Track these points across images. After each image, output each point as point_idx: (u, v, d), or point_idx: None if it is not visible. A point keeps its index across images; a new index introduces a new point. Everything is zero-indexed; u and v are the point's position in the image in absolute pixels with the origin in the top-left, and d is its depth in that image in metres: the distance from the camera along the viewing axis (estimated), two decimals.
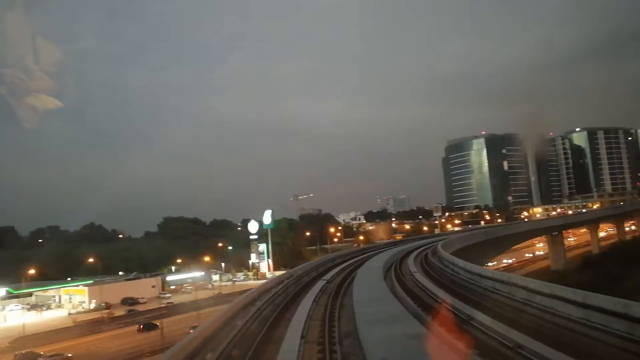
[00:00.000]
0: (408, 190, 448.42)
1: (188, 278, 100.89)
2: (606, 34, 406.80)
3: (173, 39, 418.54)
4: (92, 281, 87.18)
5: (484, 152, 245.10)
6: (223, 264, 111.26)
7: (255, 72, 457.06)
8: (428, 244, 60.41)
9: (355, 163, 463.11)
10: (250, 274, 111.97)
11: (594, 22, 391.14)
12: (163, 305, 75.64)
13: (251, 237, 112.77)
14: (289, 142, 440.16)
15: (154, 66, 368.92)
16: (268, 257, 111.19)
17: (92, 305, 78.64)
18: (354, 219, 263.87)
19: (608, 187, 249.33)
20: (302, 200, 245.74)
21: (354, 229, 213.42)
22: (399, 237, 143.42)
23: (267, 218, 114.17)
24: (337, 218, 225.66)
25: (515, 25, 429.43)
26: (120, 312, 72.14)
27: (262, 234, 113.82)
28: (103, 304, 77.00)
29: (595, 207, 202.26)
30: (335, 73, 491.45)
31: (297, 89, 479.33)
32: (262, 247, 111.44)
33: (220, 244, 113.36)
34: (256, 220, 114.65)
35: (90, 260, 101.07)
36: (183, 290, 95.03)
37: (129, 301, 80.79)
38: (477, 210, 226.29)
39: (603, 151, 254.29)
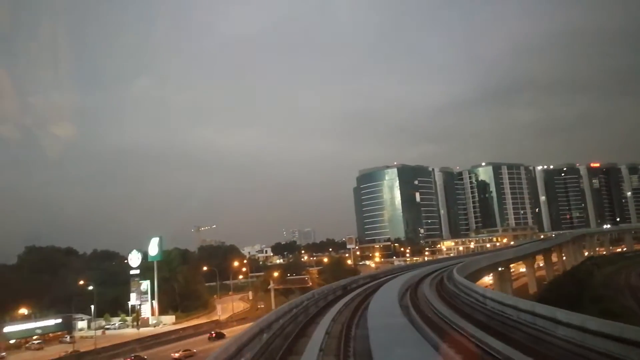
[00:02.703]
0: (315, 223, 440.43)
1: (38, 328, 75.35)
2: (495, 85, 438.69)
3: (67, 57, 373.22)
4: None
5: (397, 182, 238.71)
6: (93, 307, 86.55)
7: (156, 99, 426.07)
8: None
9: (262, 195, 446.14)
10: (129, 319, 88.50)
11: (485, 74, 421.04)
12: None
13: (132, 271, 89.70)
14: (193, 172, 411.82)
15: (46, 84, 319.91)
16: (153, 298, 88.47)
17: None
18: (261, 251, 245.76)
19: (512, 222, 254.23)
20: (204, 232, 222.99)
21: (260, 263, 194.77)
22: (314, 271, 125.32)
23: (153, 248, 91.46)
24: (242, 251, 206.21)
25: (426, 69, 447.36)
26: None
27: (148, 268, 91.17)
28: None
29: (505, 240, 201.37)
30: (243, 105, 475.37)
31: (202, 118, 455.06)
32: (146, 284, 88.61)
33: (81, 282, 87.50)
34: (139, 251, 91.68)
35: None
36: (28, 345, 70.45)
37: None
38: (390, 243, 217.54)
39: (507, 186, 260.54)
